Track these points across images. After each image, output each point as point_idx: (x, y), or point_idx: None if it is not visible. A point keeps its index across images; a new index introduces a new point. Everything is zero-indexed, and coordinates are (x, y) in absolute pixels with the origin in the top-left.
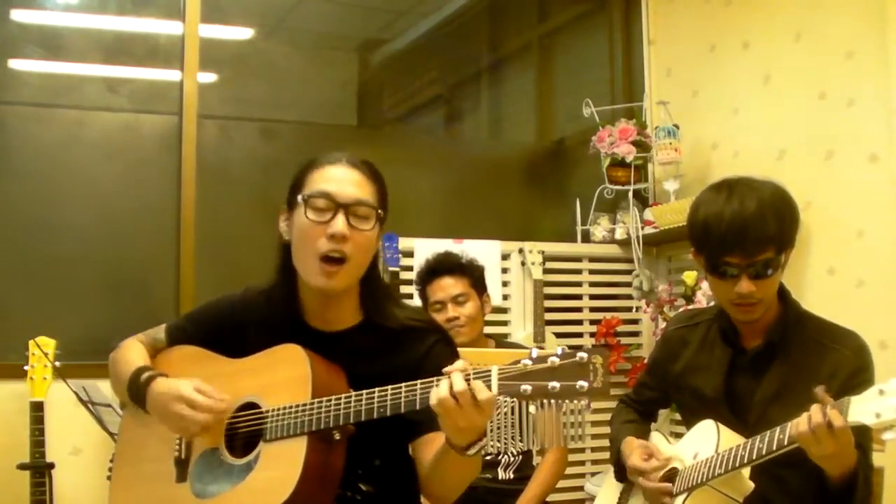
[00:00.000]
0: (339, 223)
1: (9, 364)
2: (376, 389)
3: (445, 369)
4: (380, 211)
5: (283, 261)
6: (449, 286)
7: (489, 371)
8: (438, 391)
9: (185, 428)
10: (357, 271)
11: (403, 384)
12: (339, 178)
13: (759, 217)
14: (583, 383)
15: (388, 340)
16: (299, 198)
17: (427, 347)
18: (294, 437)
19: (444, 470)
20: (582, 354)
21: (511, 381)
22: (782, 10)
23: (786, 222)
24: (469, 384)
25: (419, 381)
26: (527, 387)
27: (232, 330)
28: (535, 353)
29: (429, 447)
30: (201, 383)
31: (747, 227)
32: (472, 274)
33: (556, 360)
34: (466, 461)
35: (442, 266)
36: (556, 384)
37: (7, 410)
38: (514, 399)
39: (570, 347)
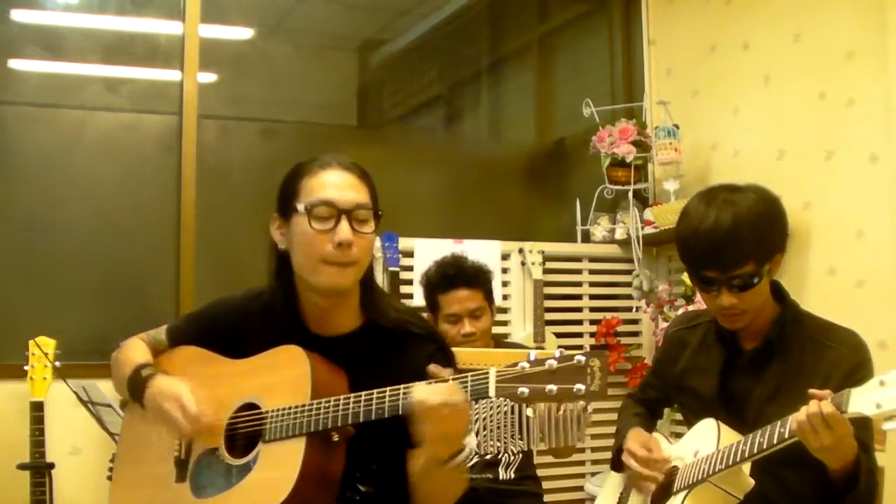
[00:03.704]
0: (345, 230)
1: (9, 364)
2: (375, 391)
3: (431, 368)
4: (378, 211)
5: (278, 268)
6: (466, 299)
7: (487, 373)
8: (419, 393)
9: (173, 428)
10: (362, 271)
11: (402, 386)
12: (337, 184)
13: (734, 234)
14: (580, 386)
15: (388, 346)
16: (300, 207)
17: (426, 356)
18: (293, 438)
19: (427, 484)
20: (580, 357)
21: (509, 384)
22: (782, 10)
23: (764, 235)
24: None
25: (417, 383)
26: (524, 389)
27: (232, 332)
28: (533, 355)
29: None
30: (194, 393)
31: (721, 245)
32: (486, 285)
33: (554, 363)
34: (449, 476)
35: (458, 277)
36: (553, 387)
37: (7, 410)
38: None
39: (569, 348)
